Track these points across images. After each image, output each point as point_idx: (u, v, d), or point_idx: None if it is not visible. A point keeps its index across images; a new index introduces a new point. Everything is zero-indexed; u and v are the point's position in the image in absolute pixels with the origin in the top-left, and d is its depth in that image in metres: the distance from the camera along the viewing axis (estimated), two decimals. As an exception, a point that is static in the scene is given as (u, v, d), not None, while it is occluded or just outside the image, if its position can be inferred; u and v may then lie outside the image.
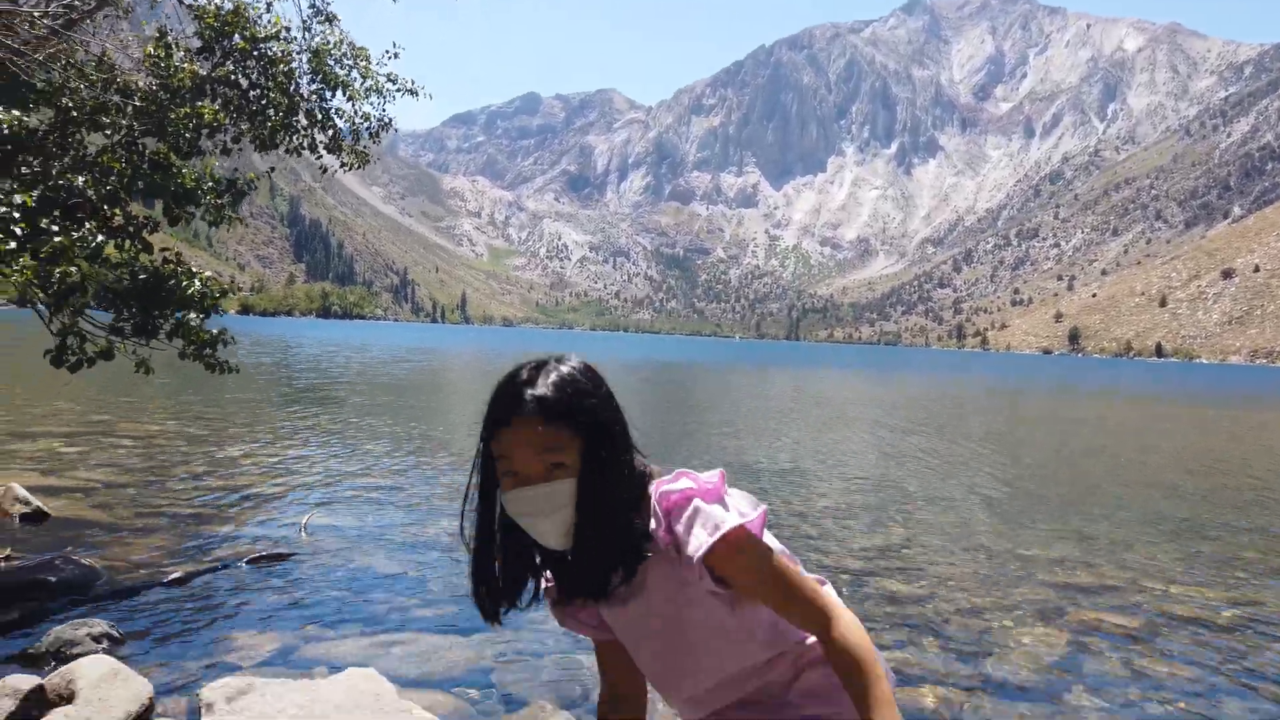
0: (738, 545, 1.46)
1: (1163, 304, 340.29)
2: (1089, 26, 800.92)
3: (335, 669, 3.96)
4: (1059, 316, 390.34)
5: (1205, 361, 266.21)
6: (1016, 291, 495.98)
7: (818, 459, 12.99)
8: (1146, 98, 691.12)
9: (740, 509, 1.49)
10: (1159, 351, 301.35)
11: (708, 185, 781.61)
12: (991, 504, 9.77)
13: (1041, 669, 4.68)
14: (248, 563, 5.88)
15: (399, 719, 3.26)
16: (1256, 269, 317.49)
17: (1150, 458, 15.52)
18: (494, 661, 4.42)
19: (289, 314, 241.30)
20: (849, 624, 1.51)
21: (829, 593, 1.58)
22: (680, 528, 1.47)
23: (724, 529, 1.44)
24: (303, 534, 6.79)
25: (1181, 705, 4.28)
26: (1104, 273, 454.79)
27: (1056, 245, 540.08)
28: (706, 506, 1.47)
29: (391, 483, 9.24)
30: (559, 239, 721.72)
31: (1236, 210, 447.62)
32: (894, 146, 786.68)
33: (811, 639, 1.60)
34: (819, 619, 1.51)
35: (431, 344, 70.77)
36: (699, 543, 1.45)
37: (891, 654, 4.80)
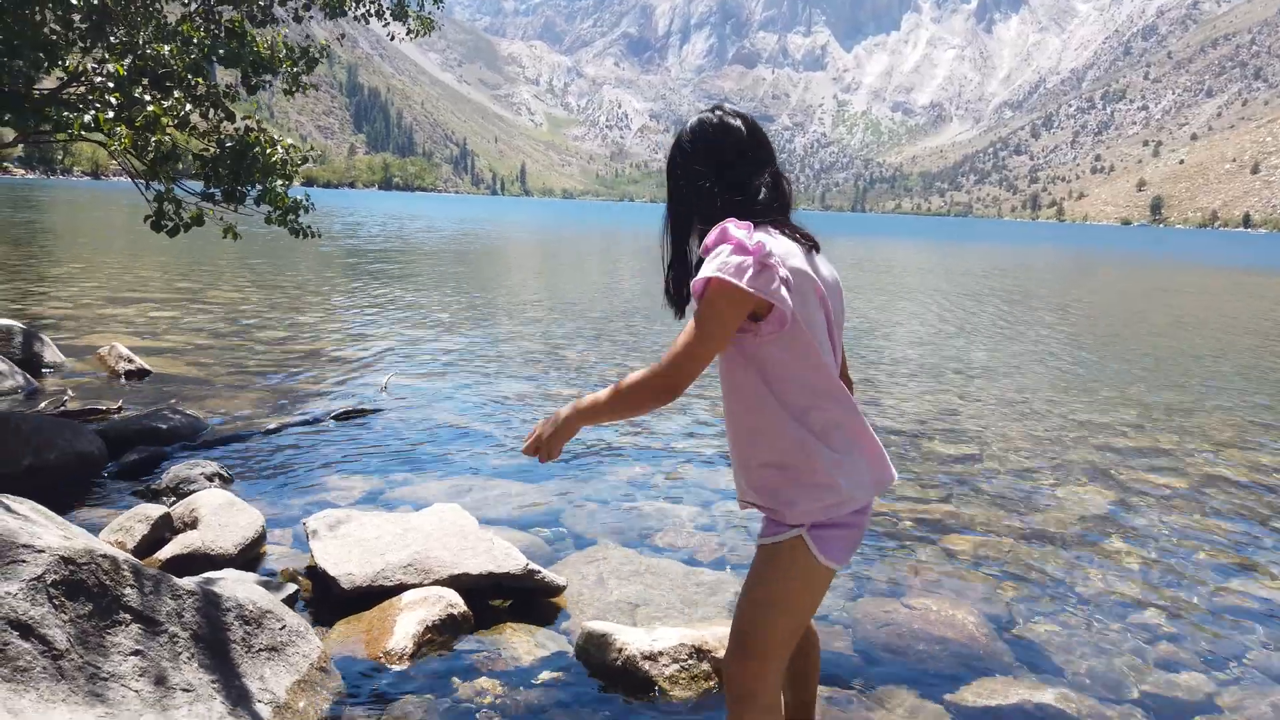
0: (702, 291, 1.77)
1: (1255, 170, 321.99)
2: None
3: (419, 508, 4.35)
4: (1141, 185, 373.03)
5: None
6: (1098, 158, 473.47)
7: (876, 325, 13.07)
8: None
9: (732, 263, 1.73)
10: (1246, 222, 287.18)
11: (774, 47, 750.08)
12: (1051, 371, 9.83)
13: (1083, 522, 4.90)
14: (335, 417, 6.33)
15: (482, 545, 3.63)
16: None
17: (1223, 328, 15.22)
18: (563, 504, 4.80)
19: (351, 185, 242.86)
20: (645, 370, 1.83)
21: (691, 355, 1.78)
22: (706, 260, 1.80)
23: (704, 274, 1.76)
24: (384, 393, 7.23)
25: (1217, 555, 4.48)
26: (1194, 137, 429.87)
27: (1144, 108, 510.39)
28: (727, 255, 1.74)
29: (463, 347, 9.66)
30: (619, 107, 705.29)
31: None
32: (974, 1, 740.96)
33: (786, 439, 1.89)
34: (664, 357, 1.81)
35: (494, 216, 70.97)
36: (694, 277, 1.82)
37: (936, 506, 5.06)
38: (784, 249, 1.81)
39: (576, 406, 1.89)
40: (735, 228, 1.77)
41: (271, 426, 5.94)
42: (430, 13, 7.15)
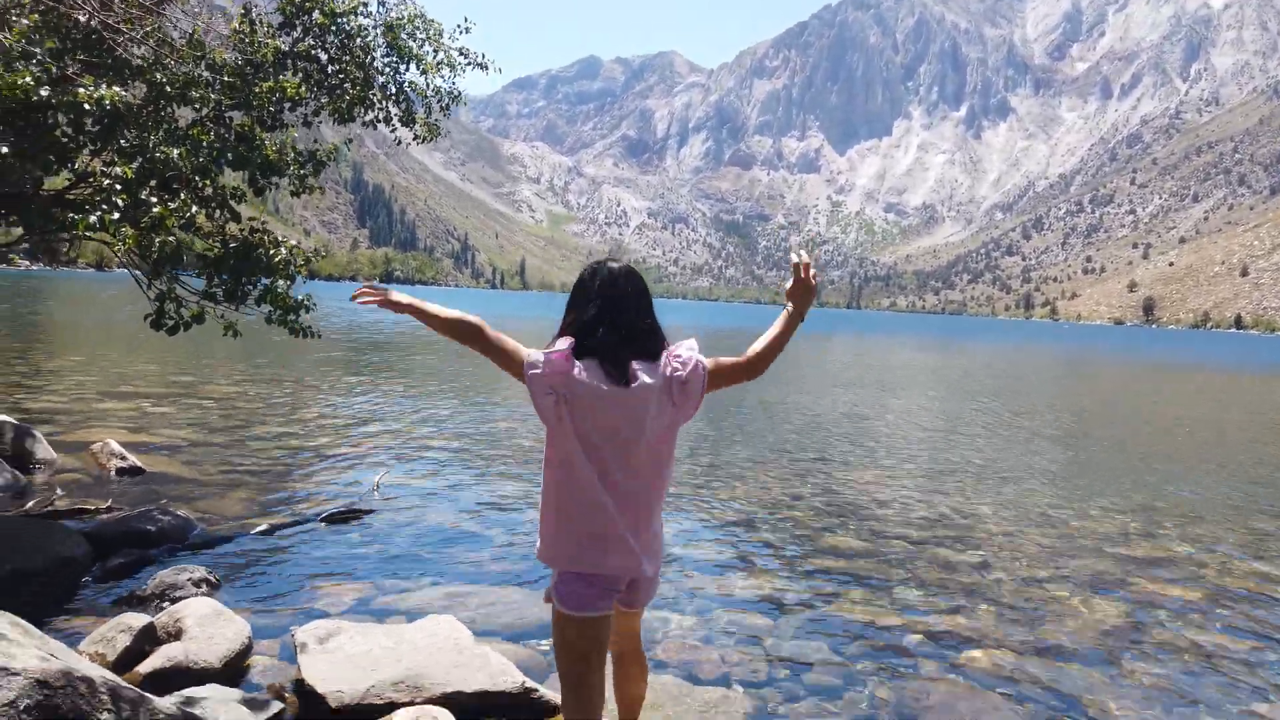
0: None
1: (1244, 273, 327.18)
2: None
3: (412, 618, 4.21)
4: (1133, 286, 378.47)
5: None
6: (1089, 260, 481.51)
7: (876, 427, 13.01)
8: (1232, 56, 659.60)
9: (536, 359, 2.37)
10: (1238, 323, 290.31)
11: (769, 150, 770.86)
12: (1054, 475, 9.73)
13: (1096, 637, 4.75)
14: (326, 519, 6.20)
15: (477, 661, 3.49)
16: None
17: (1223, 432, 15.18)
18: (561, 614, 4.64)
19: (353, 279, 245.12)
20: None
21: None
22: None
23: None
24: (376, 493, 7.11)
25: (1233, 675, 4.32)
26: (1182, 240, 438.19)
27: (1132, 212, 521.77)
28: (530, 356, 2.40)
29: (457, 444, 9.56)
30: (618, 205, 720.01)
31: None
32: (963, 109, 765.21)
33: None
34: None
35: (494, 311, 71.46)
36: None
37: (945, 618, 4.91)
38: (579, 370, 2.36)
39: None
40: (558, 342, 2.41)
41: (262, 528, 5.81)
42: (437, 120, 7.30)
